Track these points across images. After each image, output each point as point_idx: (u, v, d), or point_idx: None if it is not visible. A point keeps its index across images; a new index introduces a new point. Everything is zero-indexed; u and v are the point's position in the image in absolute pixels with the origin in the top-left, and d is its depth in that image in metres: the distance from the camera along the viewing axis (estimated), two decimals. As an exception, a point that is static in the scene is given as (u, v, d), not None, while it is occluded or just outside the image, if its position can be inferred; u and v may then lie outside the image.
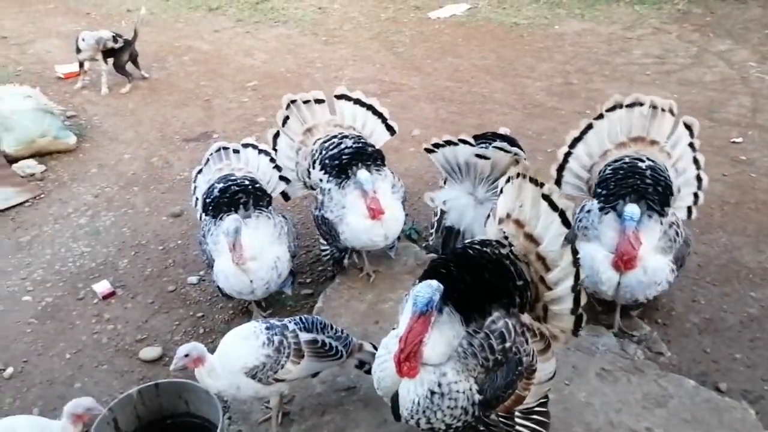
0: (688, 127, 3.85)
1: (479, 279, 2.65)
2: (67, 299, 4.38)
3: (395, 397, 2.64)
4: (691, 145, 3.83)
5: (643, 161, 3.71)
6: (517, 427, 2.85)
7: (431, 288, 2.47)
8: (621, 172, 3.70)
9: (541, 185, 2.69)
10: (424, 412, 2.57)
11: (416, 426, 2.66)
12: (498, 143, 3.77)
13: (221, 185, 3.91)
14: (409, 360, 2.49)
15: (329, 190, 4.06)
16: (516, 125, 6.42)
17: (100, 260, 4.76)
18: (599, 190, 3.74)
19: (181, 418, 3.13)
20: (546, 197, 2.67)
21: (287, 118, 4.39)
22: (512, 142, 4.13)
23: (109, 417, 2.94)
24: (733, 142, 5.84)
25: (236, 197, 3.83)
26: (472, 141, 3.75)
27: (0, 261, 4.79)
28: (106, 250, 4.88)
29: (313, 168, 4.20)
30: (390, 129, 4.47)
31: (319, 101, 4.42)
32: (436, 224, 4.09)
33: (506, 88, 7.32)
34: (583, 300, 2.70)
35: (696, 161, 3.82)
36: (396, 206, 4.06)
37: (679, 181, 3.78)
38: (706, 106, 6.53)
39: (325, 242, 4.29)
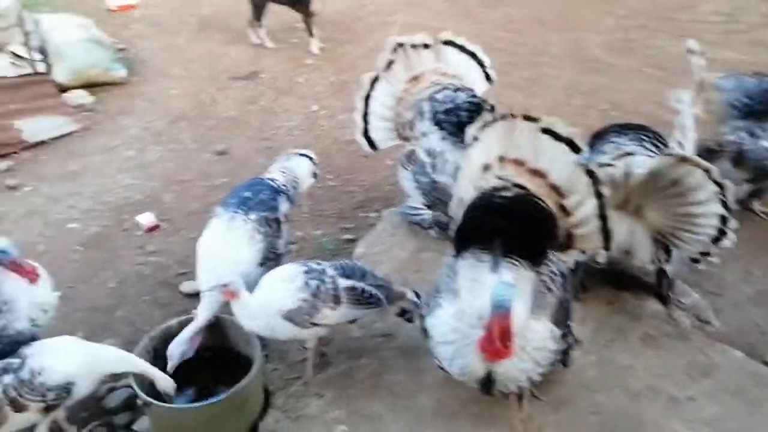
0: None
1: (534, 224, 2.63)
2: (112, 230, 4.44)
3: (487, 378, 2.52)
4: None
5: None
6: None
7: (511, 287, 2.31)
8: None
9: (538, 120, 2.67)
10: (530, 377, 2.53)
11: (516, 390, 2.64)
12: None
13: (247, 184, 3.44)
14: (505, 347, 2.38)
15: (442, 152, 3.78)
16: (569, 80, 6.21)
17: (145, 193, 4.81)
18: None
19: (219, 353, 3.17)
20: (547, 130, 2.65)
21: (391, 62, 4.06)
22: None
23: (149, 345, 2.98)
24: (801, 109, 5.52)
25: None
26: None
27: (50, 188, 4.88)
28: (151, 184, 4.91)
29: (421, 120, 3.90)
30: (488, 78, 4.21)
31: (427, 46, 4.08)
32: None
33: (561, 42, 7.07)
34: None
35: None
36: None
37: None
38: (775, 70, 6.19)
39: (424, 207, 4.01)
